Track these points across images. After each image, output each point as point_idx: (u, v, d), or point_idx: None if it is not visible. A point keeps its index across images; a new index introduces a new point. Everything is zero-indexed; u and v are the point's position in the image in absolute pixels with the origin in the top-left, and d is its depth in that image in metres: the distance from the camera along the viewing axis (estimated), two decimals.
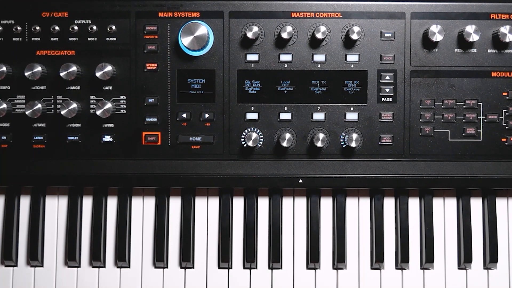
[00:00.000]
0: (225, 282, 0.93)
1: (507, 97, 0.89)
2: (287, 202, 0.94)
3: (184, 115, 0.89)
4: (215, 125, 0.90)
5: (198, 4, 0.89)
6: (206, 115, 0.89)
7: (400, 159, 0.90)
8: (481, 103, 0.89)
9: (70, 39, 0.89)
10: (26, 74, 0.87)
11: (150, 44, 0.89)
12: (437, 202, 0.94)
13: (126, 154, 0.90)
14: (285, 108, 0.89)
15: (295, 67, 0.89)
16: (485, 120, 0.89)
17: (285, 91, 0.89)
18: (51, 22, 0.89)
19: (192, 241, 0.93)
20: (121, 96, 0.90)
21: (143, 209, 0.95)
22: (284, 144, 0.87)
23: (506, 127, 0.89)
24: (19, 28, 0.89)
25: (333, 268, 0.93)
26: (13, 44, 0.89)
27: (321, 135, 0.88)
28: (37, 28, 0.88)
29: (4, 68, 0.87)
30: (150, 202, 0.95)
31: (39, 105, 0.87)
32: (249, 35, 0.86)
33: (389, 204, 0.94)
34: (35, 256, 0.93)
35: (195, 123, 0.90)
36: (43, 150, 0.90)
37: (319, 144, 0.88)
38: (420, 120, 0.89)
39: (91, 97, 0.90)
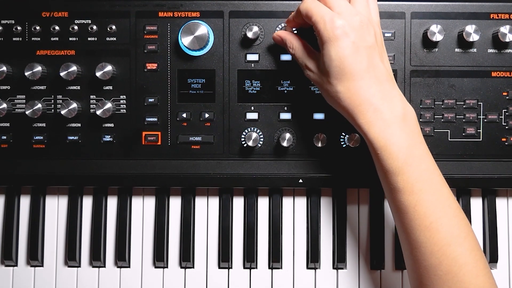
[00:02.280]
0: (225, 282, 0.93)
1: (507, 97, 0.89)
2: (287, 201, 0.94)
3: (184, 115, 0.89)
4: (215, 125, 0.90)
5: (198, 4, 0.89)
6: (206, 115, 0.89)
7: None
8: (481, 103, 0.89)
9: (70, 39, 0.89)
10: (26, 74, 0.87)
11: (150, 44, 0.89)
12: None
13: (126, 154, 0.90)
14: (285, 108, 0.89)
15: (295, 67, 0.89)
16: (485, 120, 0.89)
17: (285, 91, 0.89)
18: (51, 22, 0.89)
19: (192, 241, 0.93)
20: (121, 96, 0.90)
21: (143, 209, 0.95)
22: (284, 144, 0.87)
23: (506, 127, 0.89)
24: (19, 28, 0.89)
25: (333, 268, 0.93)
26: (13, 44, 0.89)
27: (321, 135, 0.88)
28: (37, 28, 0.89)
29: (4, 68, 0.87)
30: (150, 202, 0.95)
31: (39, 105, 0.87)
32: (249, 35, 0.86)
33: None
34: (35, 256, 0.93)
35: (195, 123, 0.90)
36: (43, 150, 0.90)
37: (319, 144, 0.88)
38: (420, 120, 0.89)
39: (91, 97, 0.90)
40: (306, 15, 0.76)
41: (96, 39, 0.89)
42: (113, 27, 0.89)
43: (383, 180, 0.75)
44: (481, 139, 0.90)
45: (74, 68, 0.87)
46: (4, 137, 0.90)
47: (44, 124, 0.90)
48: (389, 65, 0.78)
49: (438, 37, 0.86)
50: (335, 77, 0.74)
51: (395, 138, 0.72)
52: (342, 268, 0.93)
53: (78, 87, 0.90)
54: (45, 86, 0.90)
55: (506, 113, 0.89)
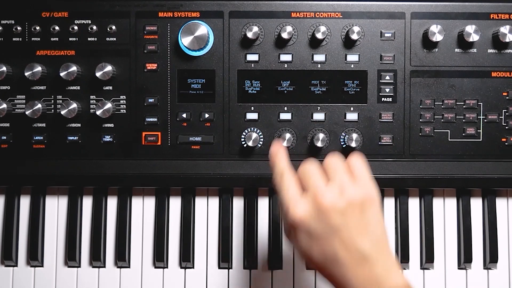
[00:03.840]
0: (225, 282, 0.93)
1: (507, 97, 0.89)
2: None
3: (184, 115, 0.89)
4: (215, 125, 0.90)
5: (198, 4, 0.89)
6: (206, 115, 0.89)
7: (400, 159, 0.90)
8: (481, 103, 0.89)
9: (70, 39, 0.89)
10: (26, 74, 0.87)
11: (150, 44, 0.89)
12: (437, 202, 0.94)
13: (126, 154, 0.90)
14: (285, 108, 0.89)
15: (295, 67, 0.89)
16: (485, 120, 0.89)
17: (285, 91, 0.89)
18: (51, 22, 0.89)
19: (192, 241, 0.93)
20: (121, 96, 0.90)
21: (143, 209, 0.95)
22: (284, 144, 0.87)
23: (506, 127, 0.89)
24: (19, 28, 0.89)
25: None
26: (13, 44, 0.89)
27: (321, 135, 0.88)
28: (37, 28, 0.89)
29: (4, 68, 0.87)
30: (150, 202, 0.95)
31: (39, 105, 0.87)
32: (249, 35, 0.86)
33: (389, 204, 0.94)
34: (35, 256, 0.93)
35: (195, 123, 0.90)
36: (43, 150, 0.90)
37: (319, 144, 0.88)
38: (420, 120, 0.89)
39: (91, 97, 0.90)
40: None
41: (96, 39, 0.89)
42: (113, 27, 0.89)
43: None
44: (481, 139, 0.90)
45: (74, 68, 0.87)
46: (4, 137, 0.90)
47: (44, 124, 0.90)
48: (373, 239, 0.64)
49: (438, 37, 0.86)
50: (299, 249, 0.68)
51: None
52: None
53: (78, 87, 0.90)
54: (45, 86, 0.90)
55: (506, 113, 0.89)
